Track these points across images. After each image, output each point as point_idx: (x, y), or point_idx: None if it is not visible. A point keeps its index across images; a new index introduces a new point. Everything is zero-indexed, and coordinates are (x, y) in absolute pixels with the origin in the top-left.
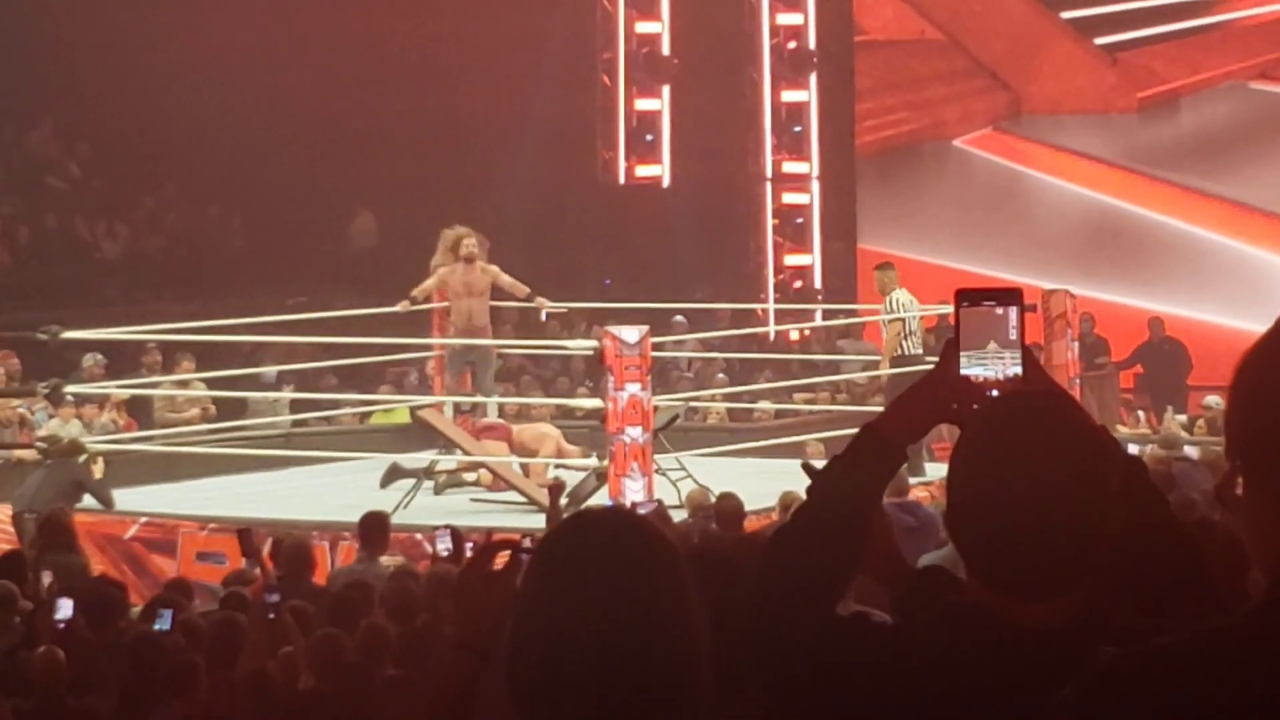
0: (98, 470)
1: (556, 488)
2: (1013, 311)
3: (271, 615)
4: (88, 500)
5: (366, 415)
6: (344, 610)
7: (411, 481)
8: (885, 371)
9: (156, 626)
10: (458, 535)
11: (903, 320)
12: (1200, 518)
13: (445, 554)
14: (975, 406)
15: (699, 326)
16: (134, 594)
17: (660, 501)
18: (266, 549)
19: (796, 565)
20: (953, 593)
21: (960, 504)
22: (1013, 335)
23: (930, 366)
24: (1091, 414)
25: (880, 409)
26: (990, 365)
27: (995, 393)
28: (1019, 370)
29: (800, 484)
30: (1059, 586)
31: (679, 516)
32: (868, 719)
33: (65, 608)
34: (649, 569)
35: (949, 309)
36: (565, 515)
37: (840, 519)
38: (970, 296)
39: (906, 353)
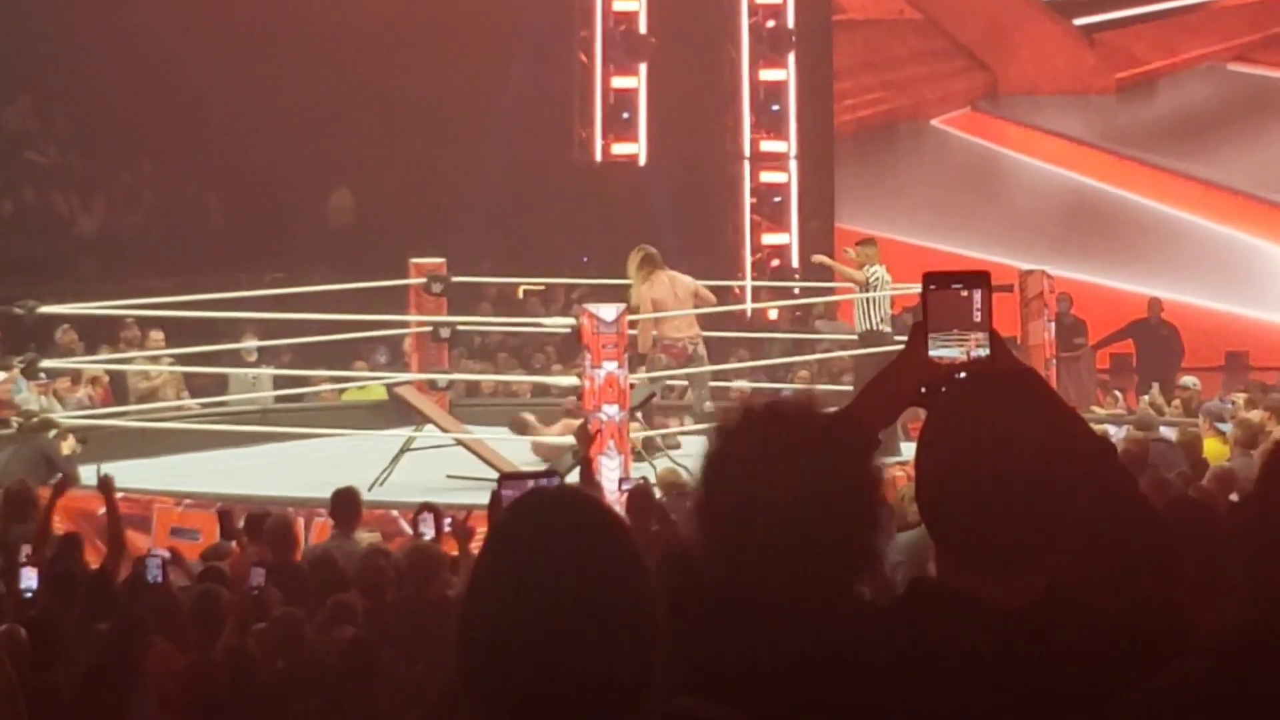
0: (69, 446)
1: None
2: (979, 293)
3: (255, 592)
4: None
5: (342, 392)
6: (316, 587)
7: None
8: (860, 351)
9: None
10: (438, 513)
11: (874, 282)
12: (1176, 497)
13: (428, 536)
14: (943, 389)
15: None
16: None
17: (645, 479)
18: (240, 524)
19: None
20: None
21: (927, 483)
22: (979, 317)
23: (900, 347)
24: (1066, 394)
25: (850, 388)
26: (958, 347)
27: (963, 374)
28: (986, 352)
29: None
30: (1022, 563)
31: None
32: (835, 696)
33: (29, 578)
34: (600, 550)
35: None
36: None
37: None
38: (938, 279)
39: (875, 328)
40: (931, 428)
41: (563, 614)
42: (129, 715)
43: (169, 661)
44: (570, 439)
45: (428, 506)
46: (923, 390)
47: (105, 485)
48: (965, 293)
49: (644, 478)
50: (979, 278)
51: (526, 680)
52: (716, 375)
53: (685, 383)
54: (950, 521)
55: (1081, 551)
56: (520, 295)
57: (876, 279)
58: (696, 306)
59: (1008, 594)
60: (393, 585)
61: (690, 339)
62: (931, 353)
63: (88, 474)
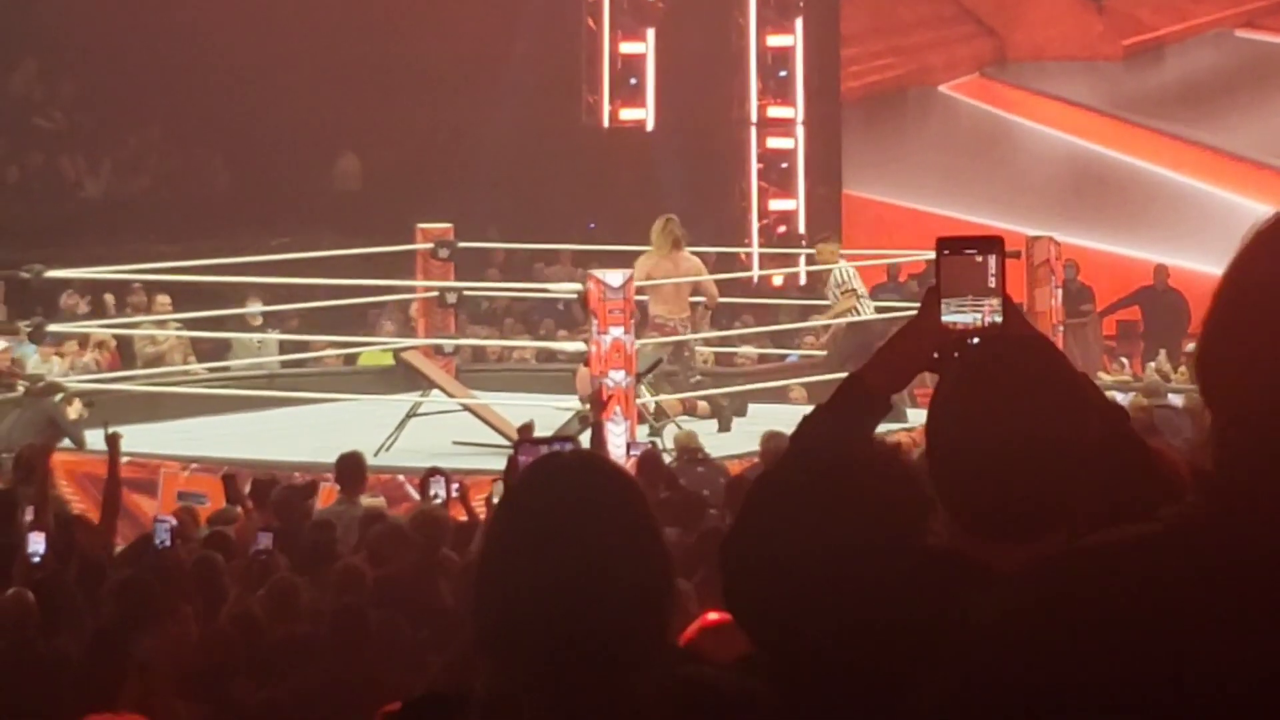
0: (75, 410)
1: (527, 428)
2: (993, 259)
3: (263, 557)
4: (67, 440)
5: (352, 357)
6: (317, 552)
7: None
8: (864, 318)
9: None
10: (446, 477)
11: (854, 290)
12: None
13: (438, 499)
14: (956, 354)
15: None
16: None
17: (654, 443)
18: (246, 489)
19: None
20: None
21: (939, 449)
22: (993, 283)
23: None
24: (1073, 361)
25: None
26: (971, 312)
27: (976, 340)
28: (1000, 318)
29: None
30: (1035, 530)
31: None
32: (845, 664)
33: (37, 543)
34: (612, 513)
35: (932, 255)
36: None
37: (824, 468)
38: (951, 244)
39: (864, 316)
40: (944, 394)
41: (576, 574)
42: (133, 680)
43: (175, 628)
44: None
45: (436, 471)
46: (935, 356)
47: (111, 441)
48: (979, 258)
49: (654, 442)
50: (993, 243)
51: (540, 639)
52: (723, 341)
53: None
54: (962, 489)
55: (1094, 518)
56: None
57: (849, 280)
58: (693, 291)
59: (1017, 562)
60: (399, 550)
61: (681, 320)
62: (944, 318)
63: (95, 437)
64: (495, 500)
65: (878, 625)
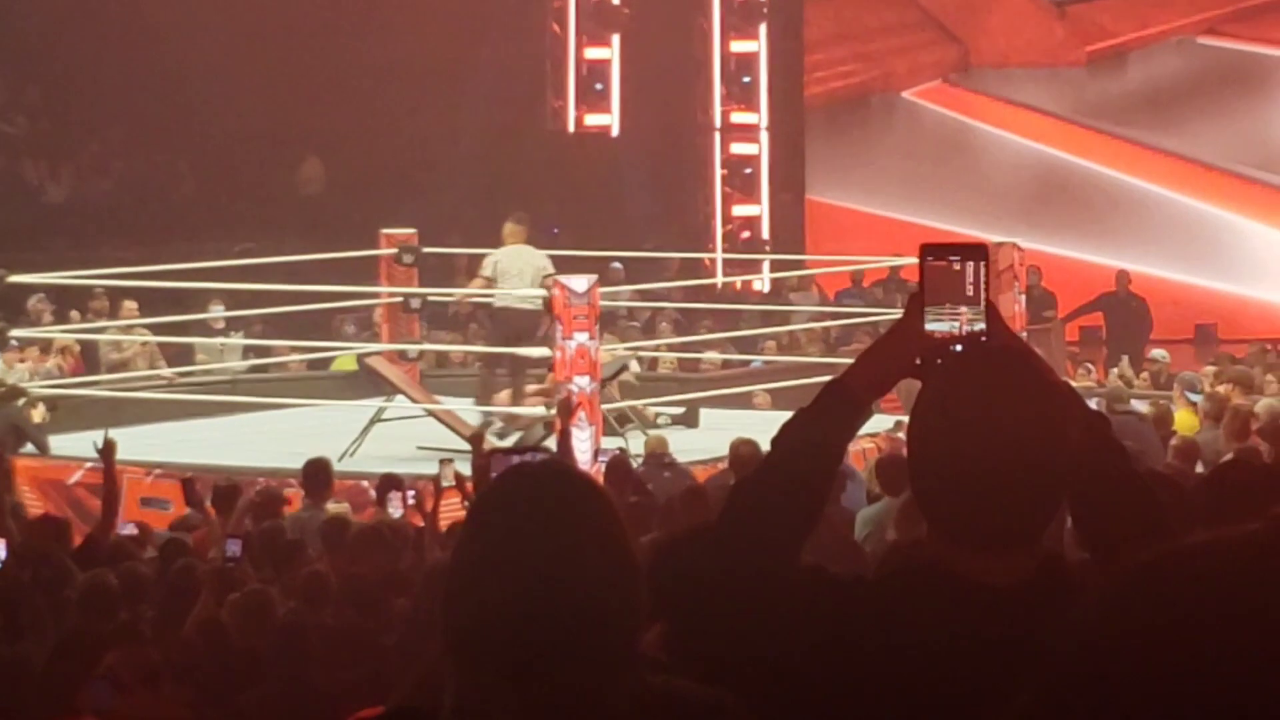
0: (39, 415)
1: (478, 437)
2: (976, 267)
3: (231, 564)
4: (29, 445)
5: (319, 363)
6: (284, 556)
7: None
8: (825, 325)
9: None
10: (401, 487)
11: (490, 279)
12: (1146, 470)
13: (396, 514)
14: (939, 361)
15: (647, 276)
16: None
17: (622, 449)
18: (209, 498)
19: (758, 517)
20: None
21: (921, 458)
22: (975, 291)
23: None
24: None
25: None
26: (952, 320)
27: (959, 348)
28: (982, 326)
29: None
30: (1018, 539)
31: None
32: (823, 674)
33: None
34: (580, 522)
35: (900, 261)
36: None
37: (804, 473)
38: (935, 251)
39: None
40: (926, 403)
41: (545, 584)
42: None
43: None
44: (539, 409)
45: (392, 482)
46: (918, 363)
47: (107, 450)
48: (960, 266)
49: (622, 448)
50: (976, 250)
51: (509, 648)
52: (686, 346)
53: None
54: (943, 498)
55: (1077, 525)
56: None
57: (494, 270)
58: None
59: (999, 573)
60: (367, 554)
61: None
62: (927, 326)
63: (59, 442)
64: (445, 483)
65: (852, 634)
